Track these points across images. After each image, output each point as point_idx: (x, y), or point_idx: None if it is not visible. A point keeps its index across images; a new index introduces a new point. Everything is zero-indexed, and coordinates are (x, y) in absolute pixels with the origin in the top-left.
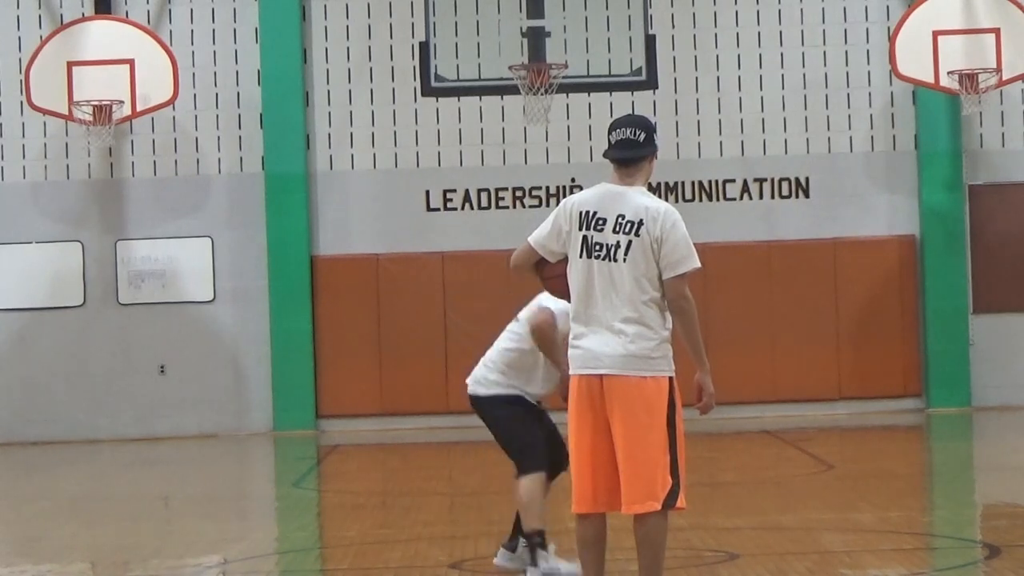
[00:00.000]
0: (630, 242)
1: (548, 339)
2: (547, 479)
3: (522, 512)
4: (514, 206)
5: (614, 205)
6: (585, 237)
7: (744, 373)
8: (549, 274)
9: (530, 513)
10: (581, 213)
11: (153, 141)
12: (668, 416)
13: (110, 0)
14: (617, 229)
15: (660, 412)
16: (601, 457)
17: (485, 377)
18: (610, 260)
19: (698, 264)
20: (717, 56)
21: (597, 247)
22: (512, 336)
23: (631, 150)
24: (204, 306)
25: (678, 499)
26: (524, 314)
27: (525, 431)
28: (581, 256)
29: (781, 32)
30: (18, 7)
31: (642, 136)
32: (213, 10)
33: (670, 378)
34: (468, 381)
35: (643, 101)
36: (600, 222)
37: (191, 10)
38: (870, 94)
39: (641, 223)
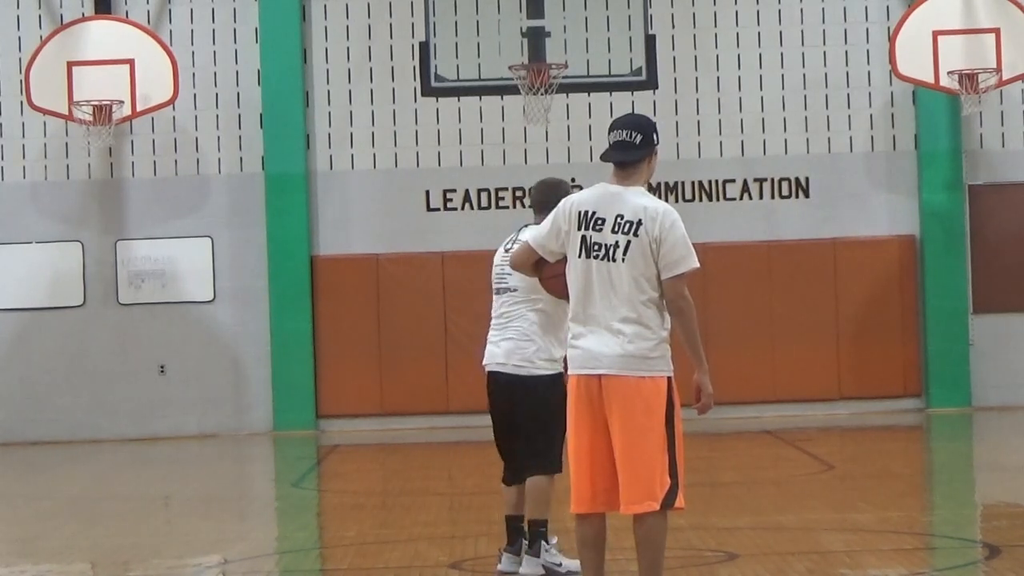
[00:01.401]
0: (629, 242)
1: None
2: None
3: (536, 501)
4: (514, 206)
5: (613, 205)
6: (584, 237)
7: (744, 373)
8: (548, 274)
9: (543, 504)
10: (580, 213)
11: (153, 141)
12: (667, 416)
13: (110, 0)
14: (616, 229)
15: (658, 412)
16: (599, 457)
17: (535, 353)
18: (608, 260)
19: (696, 264)
20: (717, 56)
21: (596, 247)
22: (522, 301)
23: (627, 153)
24: (204, 306)
25: (677, 499)
26: (517, 281)
27: (564, 427)
28: (580, 256)
29: (781, 32)
30: (18, 7)
31: (639, 138)
32: (213, 10)
33: (668, 378)
34: (504, 361)
35: (643, 101)
36: (599, 222)
37: (191, 10)
38: (870, 94)
39: (640, 223)
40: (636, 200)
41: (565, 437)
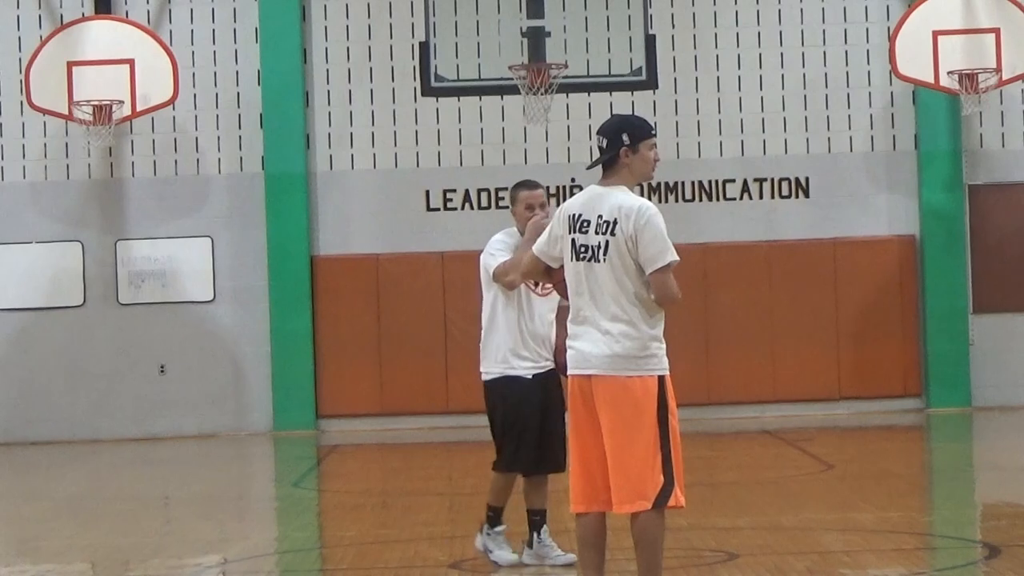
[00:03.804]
0: (607, 242)
1: (508, 276)
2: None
3: (490, 489)
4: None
5: (595, 206)
6: (573, 240)
7: (744, 373)
8: (556, 279)
9: (492, 492)
10: (570, 217)
11: (153, 141)
12: (659, 415)
13: (110, 0)
14: (597, 230)
15: (648, 411)
16: (594, 456)
17: (491, 359)
18: (593, 261)
19: (675, 258)
20: (717, 56)
21: (583, 249)
22: (483, 312)
23: (601, 156)
24: (204, 306)
25: (671, 497)
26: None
27: (525, 429)
28: (571, 260)
29: (781, 32)
30: (18, 7)
31: (604, 142)
32: (213, 10)
33: (661, 377)
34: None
35: (643, 101)
36: (584, 224)
37: (191, 10)
38: (870, 94)
39: (615, 222)
40: (614, 200)
41: (531, 439)
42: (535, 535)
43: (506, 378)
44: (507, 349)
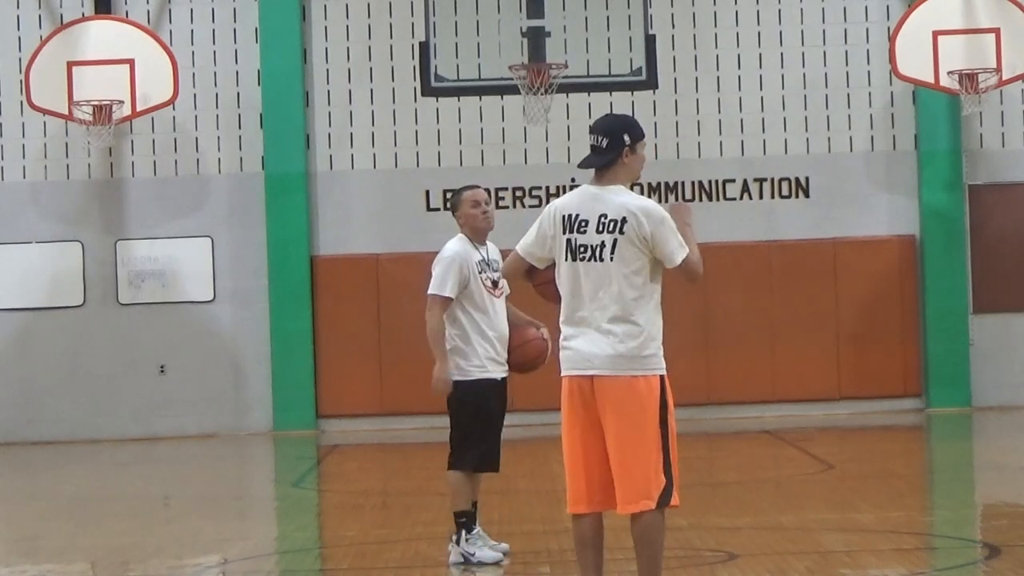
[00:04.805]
0: (615, 240)
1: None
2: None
3: (450, 493)
4: (514, 206)
5: (595, 206)
6: (569, 240)
7: (744, 373)
8: (539, 280)
9: (454, 496)
10: (564, 217)
11: (153, 141)
12: (660, 415)
13: (110, 0)
14: (601, 229)
15: (652, 411)
16: (593, 457)
17: (459, 359)
18: (595, 260)
19: (688, 251)
20: (717, 56)
21: (582, 249)
22: (448, 314)
23: (597, 158)
24: (204, 306)
25: (672, 497)
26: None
27: (483, 430)
28: (567, 260)
29: (781, 32)
30: (18, 7)
31: (605, 141)
32: (213, 10)
33: (661, 376)
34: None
35: (643, 101)
36: (583, 224)
37: (191, 10)
38: (870, 94)
39: (624, 221)
40: (618, 199)
41: (497, 439)
42: (463, 532)
43: (483, 380)
44: (483, 352)
